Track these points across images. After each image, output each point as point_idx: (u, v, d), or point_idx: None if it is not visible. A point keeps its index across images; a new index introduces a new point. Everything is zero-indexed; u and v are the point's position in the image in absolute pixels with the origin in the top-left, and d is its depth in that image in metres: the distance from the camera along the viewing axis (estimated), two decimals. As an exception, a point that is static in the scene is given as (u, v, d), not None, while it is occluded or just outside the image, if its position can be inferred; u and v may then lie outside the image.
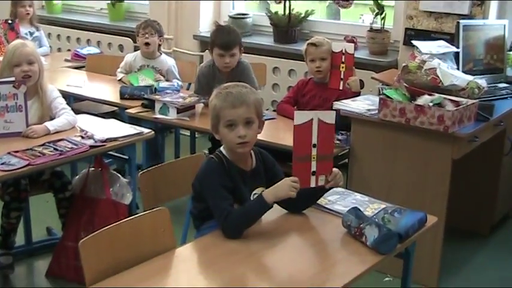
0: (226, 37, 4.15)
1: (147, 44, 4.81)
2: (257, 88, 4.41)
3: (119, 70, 4.96)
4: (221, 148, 2.54)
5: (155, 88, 4.32)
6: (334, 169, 2.42)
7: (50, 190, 3.63)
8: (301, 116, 2.32)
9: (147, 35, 4.80)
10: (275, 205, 2.42)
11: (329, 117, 2.35)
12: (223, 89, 2.50)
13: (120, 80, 4.86)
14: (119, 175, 3.68)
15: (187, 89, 5.07)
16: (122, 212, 3.49)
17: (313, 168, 2.37)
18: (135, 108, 4.13)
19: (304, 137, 2.33)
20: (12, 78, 3.43)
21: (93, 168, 3.65)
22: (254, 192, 2.53)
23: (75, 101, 4.79)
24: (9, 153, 3.09)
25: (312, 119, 2.31)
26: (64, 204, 3.65)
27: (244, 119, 2.43)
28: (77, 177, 3.76)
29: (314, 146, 2.34)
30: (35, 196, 3.64)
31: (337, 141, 3.52)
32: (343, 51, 3.93)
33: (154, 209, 2.36)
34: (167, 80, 4.72)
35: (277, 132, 3.67)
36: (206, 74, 4.27)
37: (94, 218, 3.52)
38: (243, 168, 2.52)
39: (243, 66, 4.28)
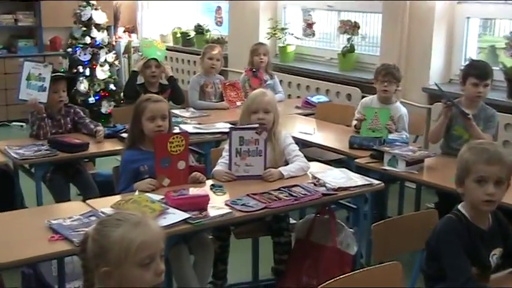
0: (482, 67, 4.30)
1: (385, 91, 4.86)
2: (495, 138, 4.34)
3: (355, 118, 4.98)
4: (459, 206, 2.50)
5: (384, 140, 4.35)
6: None
7: (269, 232, 3.77)
8: None
9: (386, 83, 4.83)
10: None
11: None
12: (478, 144, 2.50)
13: (354, 125, 4.90)
14: (343, 224, 3.76)
15: (414, 141, 5.05)
16: (346, 262, 3.55)
17: None
18: (363, 159, 4.19)
19: None
20: (256, 125, 3.67)
21: (318, 215, 3.76)
22: (493, 253, 2.46)
23: (303, 147, 4.96)
24: (248, 195, 3.29)
25: None
26: (278, 249, 3.75)
27: (496, 177, 2.40)
28: (301, 221, 3.88)
29: None
30: (265, 236, 3.82)
31: None
32: None
33: (388, 263, 2.38)
34: (396, 130, 4.73)
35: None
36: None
37: (319, 264, 3.60)
38: (481, 228, 2.47)
39: (490, 112, 4.30)
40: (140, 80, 5.55)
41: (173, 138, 3.45)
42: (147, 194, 3.20)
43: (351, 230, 3.70)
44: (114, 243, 1.93)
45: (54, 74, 4.62)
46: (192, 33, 8.77)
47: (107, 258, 1.93)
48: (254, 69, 6.02)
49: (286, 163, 3.82)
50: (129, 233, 1.95)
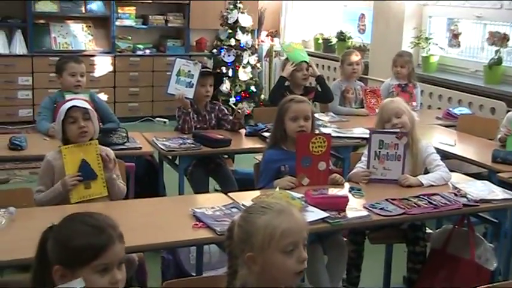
0: None
1: None
2: None
3: (500, 133, 4.85)
4: None
5: (530, 155, 4.20)
6: None
7: (404, 240, 3.74)
8: None
9: None
10: None
11: None
12: None
13: (499, 138, 4.77)
14: (482, 238, 3.66)
15: None
16: (484, 277, 3.46)
17: None
18: (507, 173, 4.06)
19: None
20: (397, 130, 3.64)
21: (457, 226, 3.68)
22: None
23: (442, 158, 4.86)
24: (386, 199, 3.29)
25: None
26: (411, 258, 3.72)
27: None
28: (438, 231, 3.82)
29: None
30: (399, 244, 3.80)
31: None
32: None
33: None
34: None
35: None
36: None
37: (454, 276, 3.53)
38: None
39: None
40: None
41: (315, 139, 3.50)
42: (288, 191, 3.27)
43: (491, 245, 3.60)
44: (259, 229, 2.01)
45: (203, 70, 4.80)
46: (334, 40, 8.78)
47: (251, 244, 2.01)
48: (404, 85, 5.94)
49: (426, 173, 3.77)
50: (274, 219, 2.02)
